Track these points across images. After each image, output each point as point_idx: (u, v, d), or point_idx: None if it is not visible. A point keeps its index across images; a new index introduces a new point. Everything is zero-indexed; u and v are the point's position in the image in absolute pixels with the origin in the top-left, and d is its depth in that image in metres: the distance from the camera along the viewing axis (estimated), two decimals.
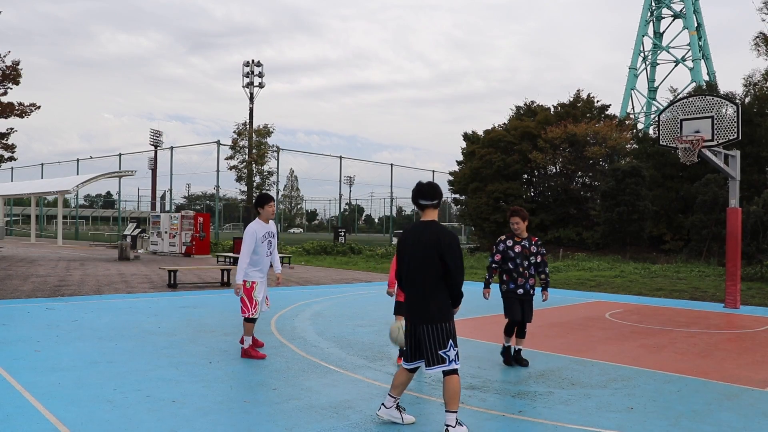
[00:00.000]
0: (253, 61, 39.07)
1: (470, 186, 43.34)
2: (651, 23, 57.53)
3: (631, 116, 52.86)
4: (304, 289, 15.80)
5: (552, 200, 40.68)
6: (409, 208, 69.34)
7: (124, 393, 5.65)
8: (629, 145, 39.85)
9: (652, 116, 57.49)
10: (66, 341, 8.08)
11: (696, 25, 54.78)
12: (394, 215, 56.83)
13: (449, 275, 4.72)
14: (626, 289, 16.82)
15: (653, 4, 57.12)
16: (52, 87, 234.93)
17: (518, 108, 46.51)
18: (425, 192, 4.86)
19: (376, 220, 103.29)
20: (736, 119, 11.52)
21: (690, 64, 54.88)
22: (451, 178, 49.48)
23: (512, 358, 7.27)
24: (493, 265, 7.27)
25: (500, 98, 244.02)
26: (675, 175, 33.06)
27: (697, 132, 11.79)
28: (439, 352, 4.65)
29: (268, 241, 7.62)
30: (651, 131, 38.32)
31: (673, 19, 57.24)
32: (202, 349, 7.79)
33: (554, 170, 41.70)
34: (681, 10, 55.92)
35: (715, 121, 11.71)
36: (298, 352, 7.75)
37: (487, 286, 7.32)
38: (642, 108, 57.15)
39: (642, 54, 57.82)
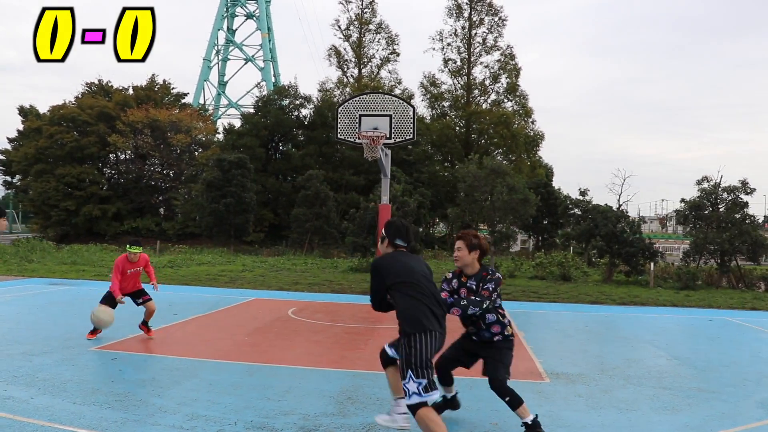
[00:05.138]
0: None
1: (33, 168, 37.68)
2: (226, 19, 58.82)
3: (206, 107, 53.36)
4: None
5: (131, 188, 38.20)
6: None
7: None
8: (213, 136, 40.11)
9: (221, 109, 58.80)
10: None
11: (268, 28, 58.15)
12: None
13: None
14: (265, 284, 16.43)
15: (229, 1, 58.57)
16: None
17: (90, 85, 42.48)
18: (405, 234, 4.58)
19: None
20: (412, 120, 12.20)
21: (261, 63, 57.95)
22: (2, 157, 42.53)
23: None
24: None
25: (36, 74, 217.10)
26: (261, 169, 34.61)
27: (376, 129, 12.09)
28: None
29: None
30: (237, 124, 39.12)
31: (246, 19, 59.68)
32: None
33: (134, 156, 39.27)
34: (254, 11, 58.59)
35: (393, 120, 12.20)
36: None
37: None
38: (212, 101, 57.95)
39: (216, 47, 58.65)
